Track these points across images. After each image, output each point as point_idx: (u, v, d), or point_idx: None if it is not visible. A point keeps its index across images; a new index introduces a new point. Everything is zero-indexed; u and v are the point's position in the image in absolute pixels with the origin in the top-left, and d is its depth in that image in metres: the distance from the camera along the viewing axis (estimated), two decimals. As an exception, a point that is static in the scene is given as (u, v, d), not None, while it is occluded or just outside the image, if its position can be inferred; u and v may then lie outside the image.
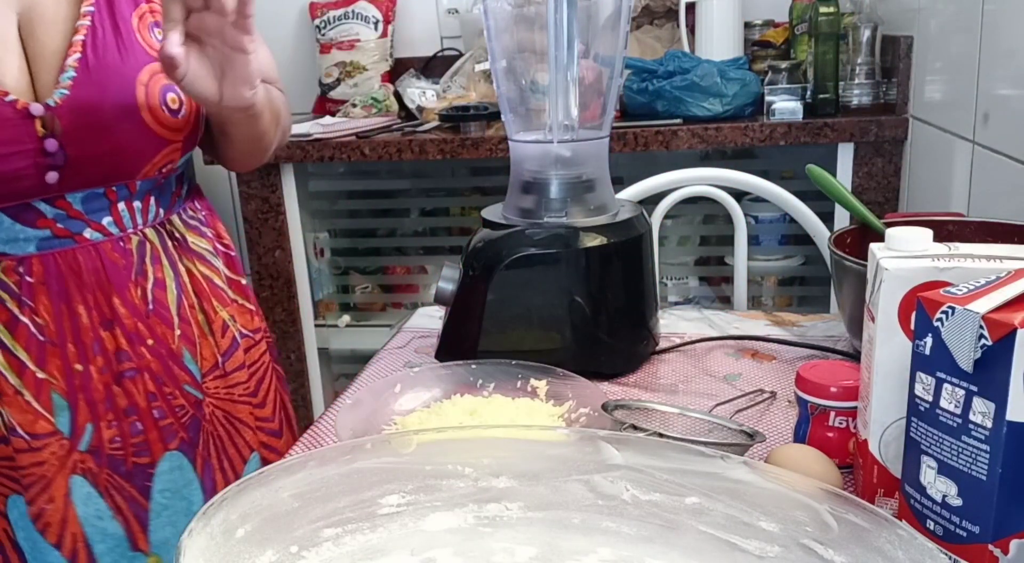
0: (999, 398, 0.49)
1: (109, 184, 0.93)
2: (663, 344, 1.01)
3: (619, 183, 1.21)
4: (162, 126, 0.92)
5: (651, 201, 1.43)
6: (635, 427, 0.72)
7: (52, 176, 0.87)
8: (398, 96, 2.25)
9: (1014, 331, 0.48)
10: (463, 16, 2.36)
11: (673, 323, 1.09)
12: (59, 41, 0.88)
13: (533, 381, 0.86)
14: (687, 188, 1.43)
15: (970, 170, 1.38)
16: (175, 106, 0.93)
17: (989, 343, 0.49)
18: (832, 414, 0.71)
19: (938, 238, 0.64)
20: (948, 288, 0.54)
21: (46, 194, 0.89)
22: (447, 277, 0.95)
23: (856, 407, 0.69)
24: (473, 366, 0.88)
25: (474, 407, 0.80)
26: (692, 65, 1.88)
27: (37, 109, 0.85)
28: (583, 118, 0.95)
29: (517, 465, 0.56)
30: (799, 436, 0.74)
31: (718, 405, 0.84)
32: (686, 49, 2.06)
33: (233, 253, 1.11)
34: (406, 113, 2.23)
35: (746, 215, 1.47)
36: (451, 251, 2.26)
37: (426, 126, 2.05)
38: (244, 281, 1.12)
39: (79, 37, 0.88)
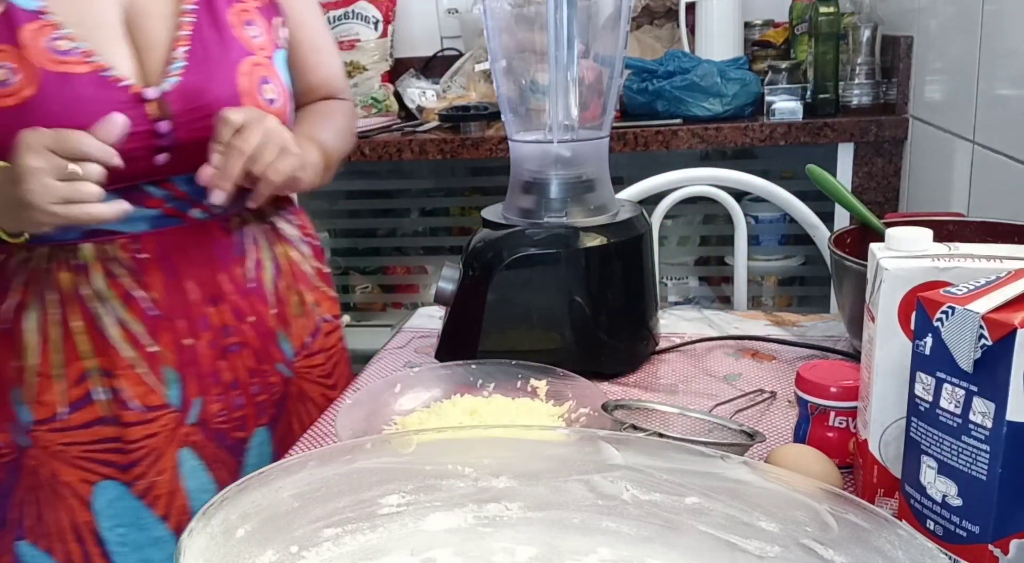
0: (999, 398, 0.49)
1: None
2: (663, 344, 1.01)
3: (619, 183, 1.21)
4: None
5: (651, 201, 1.43)
6: (635, 427, 0.72)
7: (161, 158, 0.93)
8: (398, 96, 2.25)
9: (1014, 331, 0.48)
10: (463, 16, 2.36)
11: (673, 323, 1.09)
12: (165, 34, 0.95)
13: (533, 381, 0.86)
14: (687, 188, 1.43)
15: (970, 170, 1.38)
16: (271, 96, 0.99)
17: (989, 343, 0.49)
18: (832, 414, 0.71)
19: (938, 238, 0.64)
20: (948, 288, 0.54)
21: (154, 177, 0.94)
22: (447, 277, 0.95)
23: (856, 407, 0.69)
24: (473, 366, 0.88)
25: (474, 407, 0.80)
26: (692, 65, 1.88)
27: (151, 93, 0.91)
28: (583, 118, 0.95)
29: (517, 465, 0.56)
30: (799, 436, 0.74)
31: (718, 405, 0.84)
32: (686, 49, 2.06)
33: (317, 243, 1.16)
34: (406, 113, 2.23)
35: (746, 215, 1.47)
36: (451, 251, 2.26)
37: (426, 126, 2.05)
38: (326, 270, 1.17)
39: (184, 32, 0.95)
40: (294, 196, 1.18)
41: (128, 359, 0.95)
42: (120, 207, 0.84)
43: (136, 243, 0.94)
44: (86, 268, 0.93)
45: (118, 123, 0.83)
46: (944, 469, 0.53)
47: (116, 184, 0.90)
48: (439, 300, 0.96)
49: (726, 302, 2.11)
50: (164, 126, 0.92)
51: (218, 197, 0.89)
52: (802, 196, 1.42)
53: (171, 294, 0.96)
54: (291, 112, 1.04)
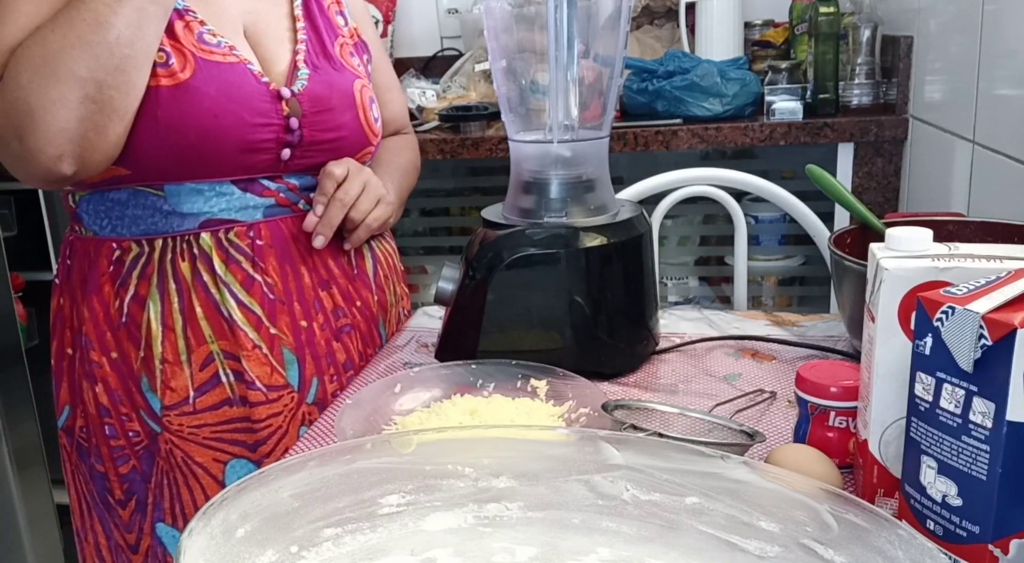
0: (999, 398, 0.49)
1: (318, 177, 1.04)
2: (663, 344, 1.01)
3: (619, 183, 1.21)
4: (368, 127, 1.08)
5: (651, 201, 1.43)
6: (635, 427, 0.72)
7: (286, 153, 1.00)
8: (398, 96, 2.25)
9: (1014, 331, 0.48)
10: (463, 16, 2.36)
11: (673, 323, 1.09)
12: (282, 54, 1.04)
13: (533, 381, 0.86)
14: (687, 188, 1.43)
15: (970, 170, 1.38)
16: (376, 115, 1.10)
17: (989, 343, 0.49)
18: (832, 414, 0.71)
19: (938, 238, 0.64)
20: (948, 288, 0.54)
21: (275, 171, 1.01)
22: (447, 277, 0.95)
23: (856, 407, 0.69)
24: (473, 366, 0.88)
25: (474, 407, 0.80)
26: (692, 65, 1.88)
27: (286, 92, 0.99)
28: (583, 118, 0.95)
29: (517, 465, 0.56)
30: (799, 436, 0.74)
31: (718, 405, 0.84)
32: (686, 49, 2.06)
33: (395, 242, 1.24)
34: (406, 113, 2.22)
35: (746, 215, 1.47)
36: (451, 251, 2.26)
37: (426, 126, 2.05)
38: (403, 267, 1.25)
39: (300, 55, 1.04)
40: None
41: (252, 340, 1.00)
42: None
43: (252, 231, 1.00)
44: (208, 256, 0.99)
45: None
46: (944, 469, 0.53)
47: (242, 174, 0.99)
48: (439, 300, 0.96)
49: (726, 302, 2.11)
50: (294, 122, 0.99)
51: (319, 242, 1.00)
52: (802, 196, 1.42)
53: (287, 279, 1.02)
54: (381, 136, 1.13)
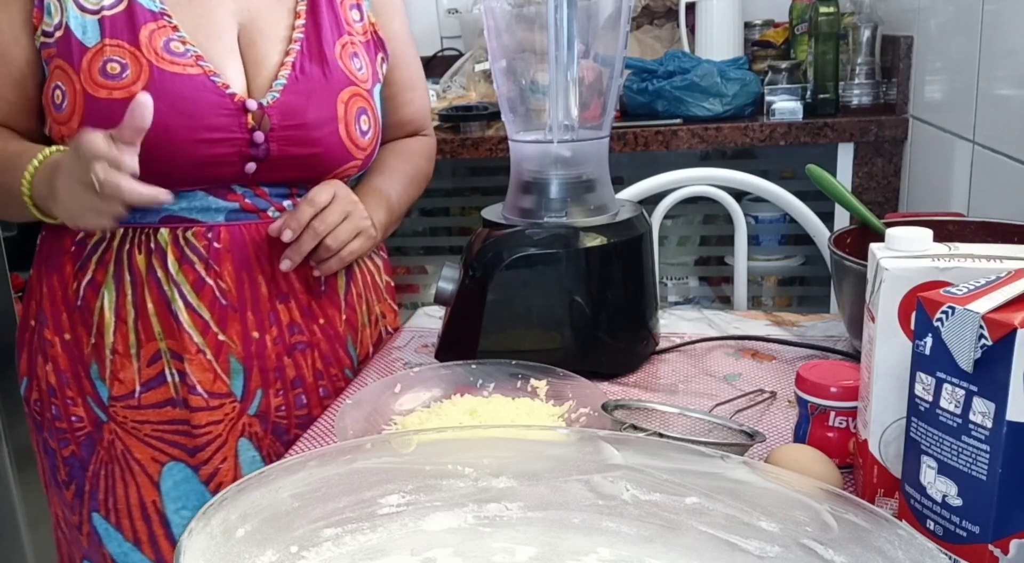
0: (999, 398, 0.49)
1: (293, 187, 1.02)
2: (663, 344, 1.01)
3: (619, 183, 1.21)
4: (352, 141, 1.02)
5: (651, 201, 1.43)
6: (635, 427, 0.72)
7: (251, 167, 0.97)
8: (398, 96, 2.25)
9: (1014, 331, 0.48)
10: (463, 16, 2.36)
11: (673, 323, 1.09)
12: (275, 56, 1.00)
13: (533, 381, 0.86)
14: (687, 188, 1.43)
15: (970, 170, 1.38)
16: (365, 128, 1.04)
17: (989, 343, 0.49)
18: (832, 414, 0.71)
19: (938, 238, 0.64)
20: (948, 288, 0.54)
21: (243, 182, 0.98)
22: (447, 277, 0.95)
23: (856, 407, 0.69)
24: (473, 366, 0.88)
25: (474, 407, 0.80)
26: (692, 65, 1.88)
27: (252, 104, 0.96)
28: (583, 118, 0.95)
29: (517, 465, 0.56)
30: (799, 436, 0.74)
31: (718, 405, 0.84)
32: (686, 49, 2.06)
33: (386, 257, 1.20)
34: (406, 113, 2.22)
35: (746, 215, 1.47)
36: (451, 251, 2.26)
37: (426, 126, 2.05)
38: (392, 283, 1.21)
39: (290, 58, 1.00)
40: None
41: (197, 344, 0.98)
42: (156, 193, 0.84)
43: (211, 233, 0.98)
44: (163, 252, 0.97)
45: (145, 104, 0.82)
46: (944, 469, 0.53)
47: (207, 184, 0.97)
48: (439, 300, 0.96)
49: (726, 302, 2.11)
50: (259, 137, 0.96)
51: (286, 265, 0.97)
52: (802, 196, 1.42)
53: (242, 286, 0.99)
54: (377, 145, 1.09)
